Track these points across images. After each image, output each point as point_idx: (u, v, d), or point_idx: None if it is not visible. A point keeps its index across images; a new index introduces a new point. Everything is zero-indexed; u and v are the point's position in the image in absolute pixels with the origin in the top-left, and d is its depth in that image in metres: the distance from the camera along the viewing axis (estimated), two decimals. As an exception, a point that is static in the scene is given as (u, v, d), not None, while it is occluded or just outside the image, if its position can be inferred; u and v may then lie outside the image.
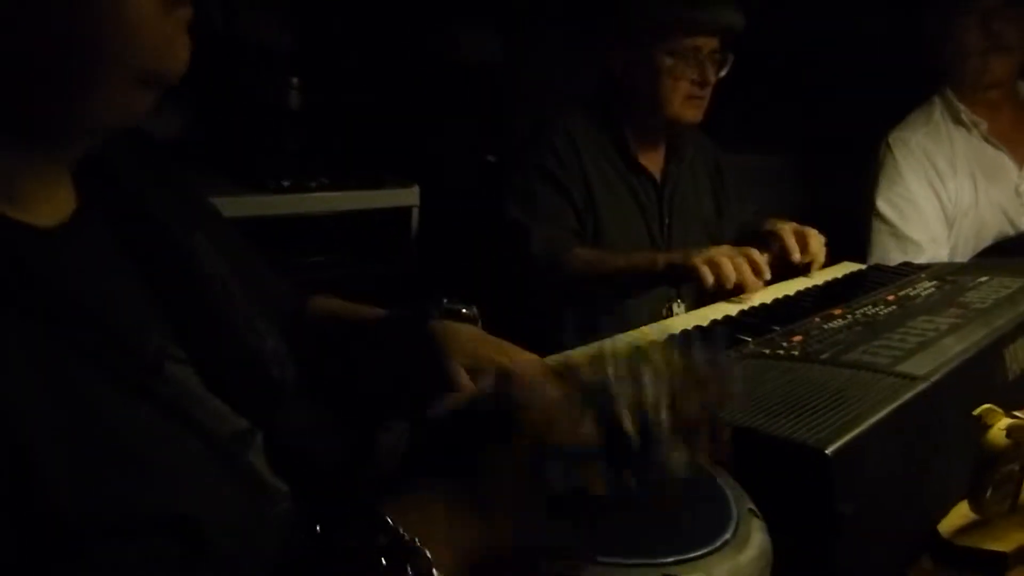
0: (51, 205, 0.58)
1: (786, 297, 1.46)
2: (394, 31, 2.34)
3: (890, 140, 2.08)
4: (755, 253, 1.45)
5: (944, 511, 0.88)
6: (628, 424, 0.51)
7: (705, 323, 1.30)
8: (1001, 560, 0.82)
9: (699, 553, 0.57)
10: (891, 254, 1.98)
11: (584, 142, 1.75)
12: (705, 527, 0.60)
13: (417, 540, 0.47)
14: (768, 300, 1.43)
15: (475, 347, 0.79)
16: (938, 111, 2.10)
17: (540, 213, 1.67)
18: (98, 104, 0.57)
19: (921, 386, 0.85)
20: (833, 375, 0.90)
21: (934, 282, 1.40)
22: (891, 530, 0.80)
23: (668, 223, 1.82)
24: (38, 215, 0.56)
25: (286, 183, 1.85)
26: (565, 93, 1.98)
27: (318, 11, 2.25)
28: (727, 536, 0.60)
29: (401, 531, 0.46)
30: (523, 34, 2.56)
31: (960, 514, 0.87)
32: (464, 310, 0.84)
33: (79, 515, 0.44)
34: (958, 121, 2.06)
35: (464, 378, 0.75)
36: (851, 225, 2.15)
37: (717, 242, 1.87)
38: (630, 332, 1.27)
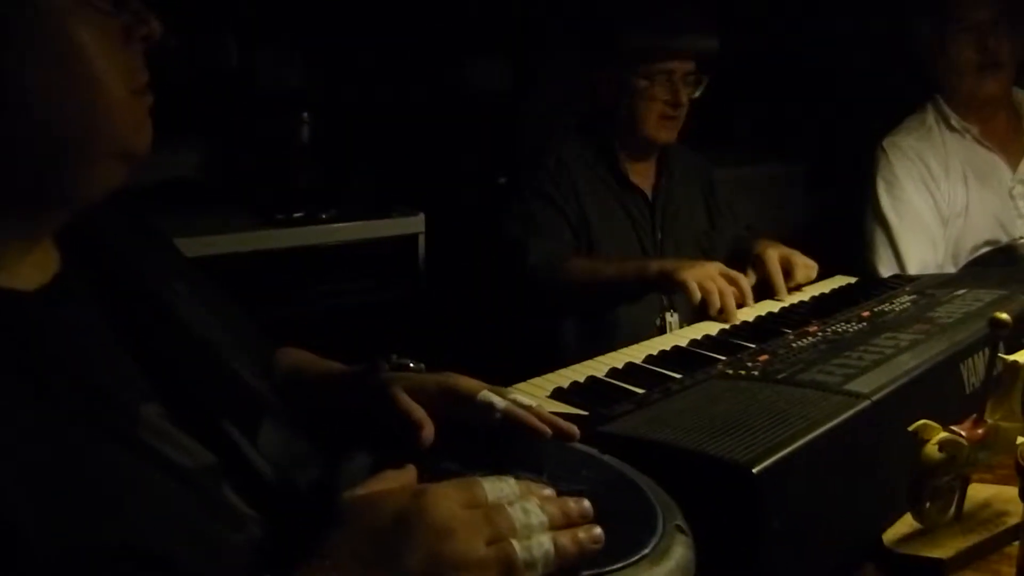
0: (34, 269, 0.65)
1: (770, 314, 1.51)
2: (403, 61, 2.44)
3: (884, 145, 2.09)
4: (743, 281, 1.50)
5: (891, 520, 0.93)
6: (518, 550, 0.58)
7: (693, 339, 1.37)
8: (939, 567, 0.87)
9: (614, 567, 0.63)
10: (890, 257, 2.01)
11: (576, 164, 1.83)
12: (627, 542, 0.67)
13: None
14: (752, 317, 1.49)
15: (419, 378, 0.87)
16: (931, 117, 2.10)
17: (537, 229, 1.76)
18: (77, 179, 0.65)
19: (863, 404, 0.91)
20: (784, 395, 0.96)
21: (912, 296, 1.44)
22: (827, 542, 0.85)
23: (660, 238, 1.89)
24: (21, 279, 0.63)
25: (298, 215, 1.95)
26: (572, 116, 2.05)
27: (327, 45, 2.35)
28: (646, 551, 0.66)
29: None
30: (532, 60, 2.64)
31: (906, 523, 0.92)
32: (412, 364, 0.91)
33: (52, 552, 0.51)
34: (950, 127, 2.06)
35: (408, 401, 0.82)
36: (857, 232, 2.18)
37: (709, 256, 1.93)
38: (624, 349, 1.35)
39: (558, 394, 1.12)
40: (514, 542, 0.59)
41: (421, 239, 2.01)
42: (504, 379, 1.21)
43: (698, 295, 1.48)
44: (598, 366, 1.24)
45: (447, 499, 0.60)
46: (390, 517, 0.60)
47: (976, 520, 0.94)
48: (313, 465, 0.79)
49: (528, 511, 0.61)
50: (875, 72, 2.92)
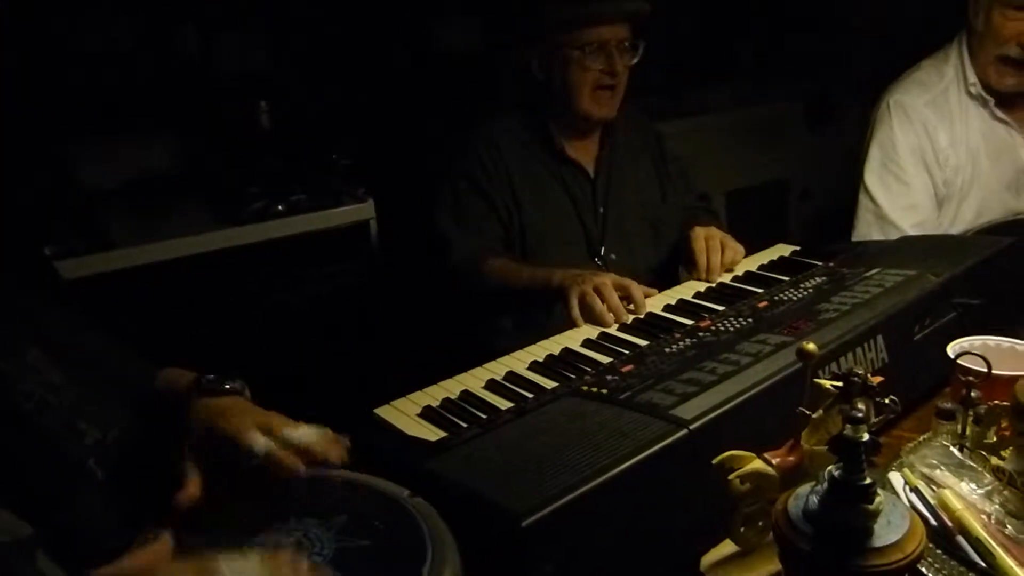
0: None
1: (681, 302, 1.51)
2: (367, 34, 2.43)
3: (890, 103, 1.85)
4: (634, 289, 1.47)
5: (715, 543, 0.95)
6: None
7: (588, 338, 1.39)
8: (744, 592, 0.89)
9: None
10: (872, 235, 1.85)
11: (509, 145, 1.82)
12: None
13: None
14: (662, 306, 1.49)
15: (199, 420, 0.93)
16: (951, 71, 1.85)
17: (464, 222, 1.77)
18: None
19: (679, 434, 0.92)
20: (612, 420, 0.98)
21: (822, 278, 1.41)
22: (633, 571, 0.88)
23: (603, 213, 1.86)
24: None
25: (257, 204, 2.01)
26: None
27: (291, 30, 2.36)
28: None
29: None
30: (502, 23, 2.57)
31: (728, 545, 0.95)
32: (228, 385, 0.97)
33: None
34: (969, 93, 1.82)
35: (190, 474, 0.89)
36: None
37: (657, 229, 1.91)
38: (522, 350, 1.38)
39: (427, 413, 1.16)
40: None
41: (372, 224, 2.05)
42: (445, 368, 1.28)
43: (576, 312, 1.46)
44: (485, 374, 1.28)
45: None
46: None
47: (801, 538, 0.95)
48: (132, 525, 0.86)
49: None
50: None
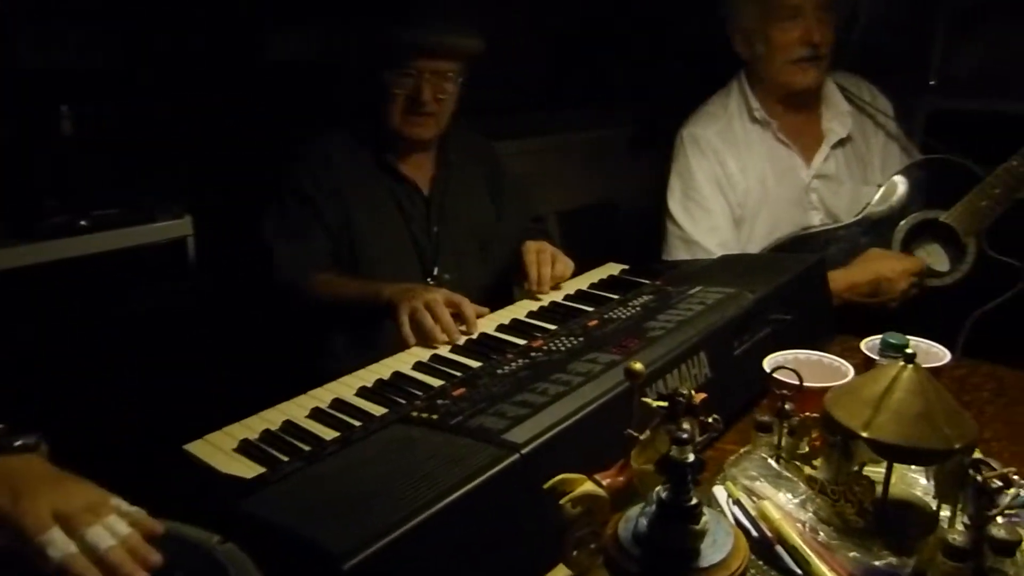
0: None
1: (514, 321, 1.50)
2: (189, 39, 2.28)
3: (684, 135, 2.03)
4: (465, 306, 1.45)
5: (550, 568, 0.93)
6: None
7: (419, 360, 1.34)
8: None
9: None
10: (681, 257, 1.98)
11: (342, 158, 1.76)
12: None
13: None
14: (494, 326, 1.48)
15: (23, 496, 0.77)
16: (734, 103, 2.03)
17: (289, 233, 1.69)
18: None
19: (511, 459, 0.90)
20: (442, 446, 0.94)
21: (650, 296, 1.45)
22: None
23: (436, 232, 1.84)
24: None
25: (58, 220, 1.81)
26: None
27: (105, 27, 2.16)
28: None
29: None
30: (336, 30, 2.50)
31: (564, 570, 0.93)
32: (19, 442, 0.84)
33: None
34: (752, 118, 2.01)
35: None
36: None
37: (490, 249, 1.90)
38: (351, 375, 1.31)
39: (244, 447, 1.07)
40: None
41: (190, 242, 1.91)
42: (271, 396, 1.19)
43: (406, 329, 1.42)
44: (310, 402, 1.20)
45: None
46: None
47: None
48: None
49: None
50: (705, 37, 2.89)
